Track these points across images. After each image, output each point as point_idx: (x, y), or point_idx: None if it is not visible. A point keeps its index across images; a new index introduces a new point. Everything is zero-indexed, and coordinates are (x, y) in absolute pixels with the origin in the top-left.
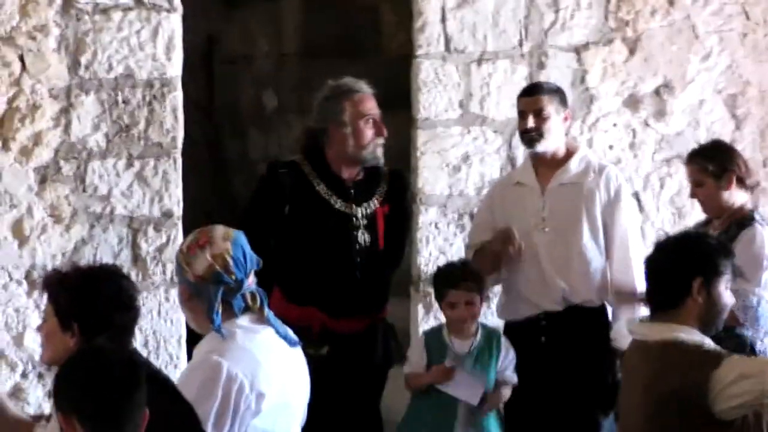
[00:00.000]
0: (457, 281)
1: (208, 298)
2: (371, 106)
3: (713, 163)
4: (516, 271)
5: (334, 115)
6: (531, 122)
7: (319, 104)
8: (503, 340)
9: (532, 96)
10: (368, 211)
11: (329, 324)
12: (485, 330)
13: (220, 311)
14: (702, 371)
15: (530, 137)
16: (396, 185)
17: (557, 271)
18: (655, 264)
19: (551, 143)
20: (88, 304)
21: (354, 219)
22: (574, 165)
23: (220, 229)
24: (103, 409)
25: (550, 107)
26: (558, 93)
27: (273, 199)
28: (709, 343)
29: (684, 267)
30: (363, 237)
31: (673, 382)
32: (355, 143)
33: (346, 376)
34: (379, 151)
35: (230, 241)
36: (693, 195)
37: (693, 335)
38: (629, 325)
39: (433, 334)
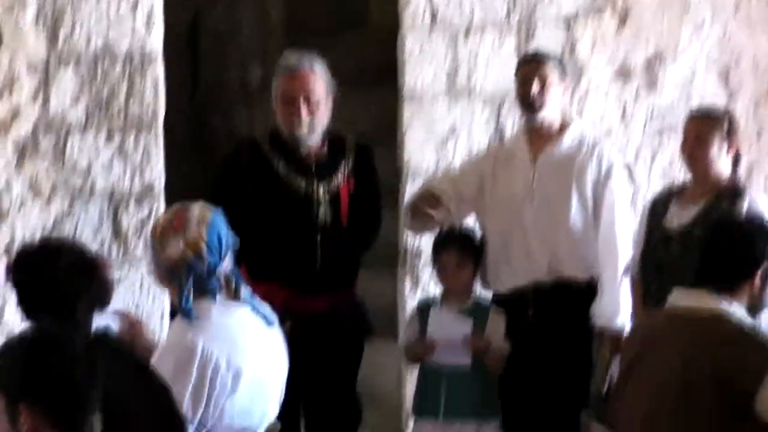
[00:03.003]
0: (447, 244)
1: (179, 282)
2: (297, 86)
3: (726, 123)
4: (504, 241)
5: (271, 92)
6: (535, 88)
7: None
8: (492, 309)
9: (538, 63)
10: (331, 187)
11: (292, 302)
12: (477, 301)
13: (190, 296)
14: (757, 359)
15: (532, 104)
16: (362, 160)
17: (544, 243)
18: (723, 241)
19: (550, 113)
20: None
21: (315, 196)
22: (568, 139)
23: (196, 211)
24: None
25: (554, 76)
26: (560, 63)
27: (233, 179)
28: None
29: (756, 252)
30: (325, 215)
31: (721, 357)
32: (280, 123)
33: (314, 354)
34: (300, 132)
35: (205, 225)
36: (691, 151)
37: (746, 317)
38: (671, 297)
39: (426, 304)
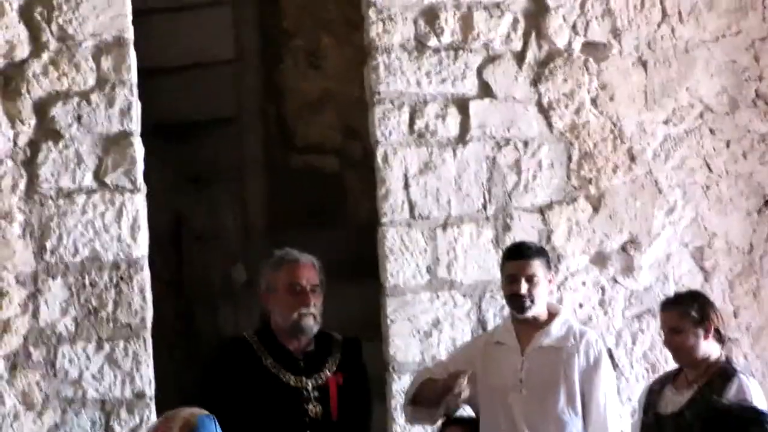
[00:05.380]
0: (460, 422)
1: None
2: (300, 275)
3: (694, 310)
4: (493, 430)
5: (267, 286)
6: (524, 288)
7: (260, 277)
8: None
9: (524, 260)
10: (320, 382)
11: None
12: None
13: None
14: None
15: (521, 303)
16: (350, 354)
17: None
18: None
19: (540, 307)
20: None
21: (304, 392)
22: (555, 328)
23: (181, 418)
24: None
25: (540, 272)
26: (545, 255)
27: (222, 377)
28: None
29: None
30: (315, 409)
31: None
32: (280, 313)
33: None
34: (307, 321)
35: None
36: (669, 343)
37: None
38: None
39: None
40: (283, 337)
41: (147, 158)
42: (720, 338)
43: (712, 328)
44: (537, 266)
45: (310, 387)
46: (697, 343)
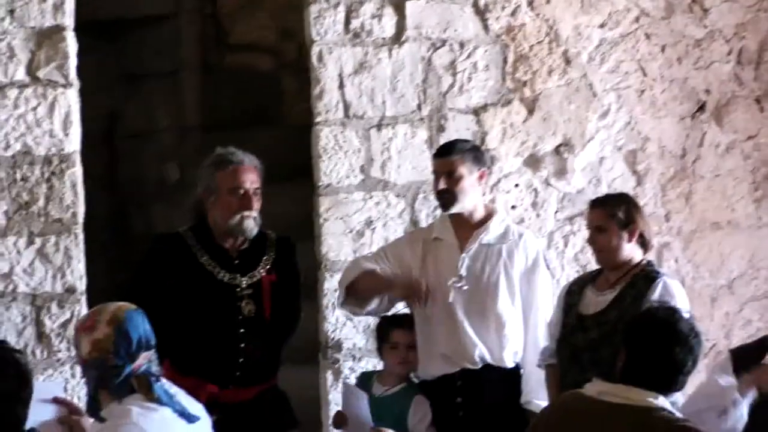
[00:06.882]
0: (402, 323)
1: (88, 382)
2: (244, 179)
3: (621, 211)
4: (432, 327)
5: (208, 185)
6: (443, 184)
7: (199, 174)
8: (418, 397)
9: (444, 157)
10: (253, 280)
11: (217, 394)
12: (409, 384)
13: (102, 396)
14: None
15: (443, 199)
16: (283, 252)
17: (473, 330)
18: (654, 343)
19: (466, 204)
20: None
21: (238, 289)
22: (494, 227)
23: (108, 312)
24: None
25: (462, 168)
26: (472, 152)
27: (156, 272)
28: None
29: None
30: (248, 307)
31: None
32: (220, 214)
33: None
34: (248, 224)
35: (114, 326)
36: (593, 242)
37: (672, 409)
38: (592, 385)
39: (361, 380)
40: (219, 236)
41: (81, 55)
42: (644, 243)
43: (637, 232)
44: (458, 163)
45: (243, 285)
46: (620, 245)
